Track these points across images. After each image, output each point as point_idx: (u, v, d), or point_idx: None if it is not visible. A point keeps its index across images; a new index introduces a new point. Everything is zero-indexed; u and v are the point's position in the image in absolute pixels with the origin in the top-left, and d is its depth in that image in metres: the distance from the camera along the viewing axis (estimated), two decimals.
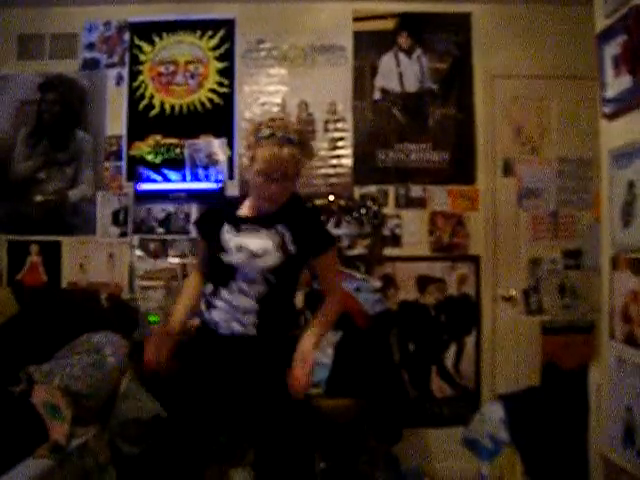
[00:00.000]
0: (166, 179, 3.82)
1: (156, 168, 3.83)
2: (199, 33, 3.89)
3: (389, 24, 3.85)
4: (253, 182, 2.11)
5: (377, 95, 3.84)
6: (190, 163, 3.81)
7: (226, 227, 2.15)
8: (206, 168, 3.80)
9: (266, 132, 2.02)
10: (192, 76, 3.89)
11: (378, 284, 3.57)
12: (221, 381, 2.12)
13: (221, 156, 3.81)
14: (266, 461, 2.12)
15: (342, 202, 3.77)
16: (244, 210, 2.21)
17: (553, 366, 3.61)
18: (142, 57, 3.90)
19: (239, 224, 2.15)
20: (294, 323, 2.40)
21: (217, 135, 3.83)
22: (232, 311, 2.10)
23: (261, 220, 2.13)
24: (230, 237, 2.13)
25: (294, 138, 2.03)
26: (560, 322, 3.77)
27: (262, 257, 2.07)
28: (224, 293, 2.11)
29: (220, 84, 3.87)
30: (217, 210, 2.31)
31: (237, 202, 2.28)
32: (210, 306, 2.16)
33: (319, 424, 2.25)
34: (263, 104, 3.86)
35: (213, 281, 2.17)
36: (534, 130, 3.82)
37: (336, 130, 3.83)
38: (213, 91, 3.88)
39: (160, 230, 3.83)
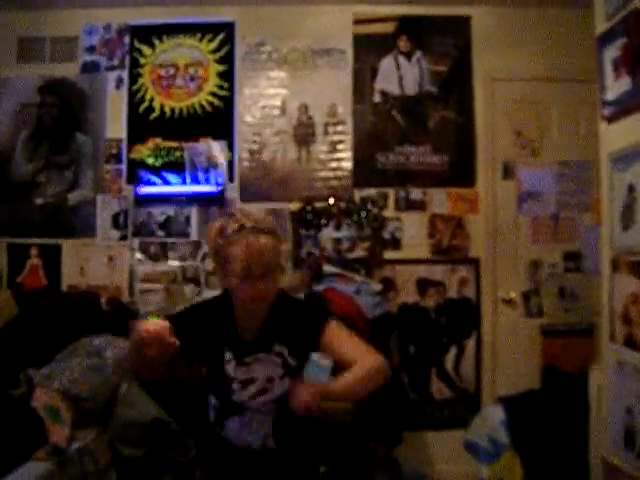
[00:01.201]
0: (166, 182, 3.82)
1: (156, 171, 3.83)
2: (199, 36, 3.90)
3: (389, 27, 3.86)
4: (235, 288, 1.83)
5: (377, 98, 3.85)
6: (190, 166, 3.82)
7: (227, 355, 1.88)
8: (206, 171, 3.80)
9: (234, 226, 1.79)
10: (192, 79, 3.89)
11: (378, 287, 3.56)
12: None
13: (221, 159, 3.81)
14: None
15: (342, 205, 3.77)
16: (241, 327, 1.91)
17: (553, 369, 3.60)
18: (142, 60, 3.91)
19: (241, 354, 1.89)
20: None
21: (217, 138, 3.84)
22: (246, 429, 1.90)
23: (258, 343, 1.89)
24: (233, 370, 1.88)
25: (266, 226, 1.81)
26: (560, 325, 3.77)
27: (269, 390, 1.87)
28: (232, 420, 1.91)
29: (220, 87, 3.88)
30: (203, 320, 1.92)
31: (227, 309, 1.92)
32: (218, 426, 1.95)
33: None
34: (263, 107, 3.86)
35: (219, 404, 1.94)
36: (534, 133, 3.83)
37: (336, 133, 3.84)
38: (213, 94, 3.88)
39: (160, 233, 3.83)
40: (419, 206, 3.81)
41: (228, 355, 1.87)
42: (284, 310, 1.92)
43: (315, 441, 1.98)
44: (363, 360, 1.84)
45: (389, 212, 3.80)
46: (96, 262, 3.84)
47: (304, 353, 1.84)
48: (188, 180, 3.81)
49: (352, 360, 1.84)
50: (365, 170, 3.82)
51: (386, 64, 3.85)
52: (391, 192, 3.81)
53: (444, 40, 3.84)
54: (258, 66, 3.88)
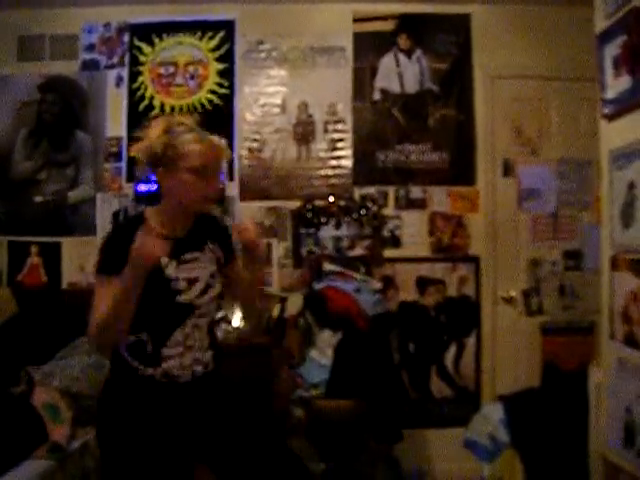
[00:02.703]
0: None
1: None
2: (199, 34, 3.89)
3: (389, 25, 3.86)
4: (181, 183, 1.82)
5: (377, 96, 3.85)
6: None
7: (163, 260, 1.78)
8: None
9: (181, 128, 1.87)
10: (192, 77, 3.89)
11: (378, 285, 3.56)
12: (190, 430, 1.91)
13: None
14: None
15: (342, 203, 3.77)
16: (164, 230, 1.85)
17: (553, 367, 3.61)
18: (142, 58, 3.90)
19: (178, 252, 1.85)
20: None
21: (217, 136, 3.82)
22: (188, 354, 1.87)
23: (190, 242, 1.92)
24: (175, 271, 1.85)
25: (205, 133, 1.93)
26: (560, 323, 3.78)
27: (211, 287, 1.92)
28: (174, 339, 1.84)
29: (220, 85, 3.88)
30: (128, 238, 1.74)
31: (142, 222, 1.86)
32: (154, 363, 1.83)
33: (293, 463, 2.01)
34: (263, 105, 3.86)
35: (151, 332, 1.84)
36: (534, 131, 3.82)
37: (336, 131, 3.83)
38: (213, 92, 3.88)
39: None
40: (419, 204, 3.81)
41: (164, 259, 1.79)
42: (204, 217, 2.00)
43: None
44: None
45: (389, 210, 3.80)
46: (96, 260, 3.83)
47: (229, 247, 2.03)
48: None
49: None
50: (365, 168, 3.82)
51: (386, 62, 3.85)
52: (391, 190, 3.81)
53: (444, 38, 3.84)
54: (258, 64, 3.88)
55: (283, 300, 3.61)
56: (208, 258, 1.94)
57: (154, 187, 3.61)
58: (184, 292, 1.84)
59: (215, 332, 2.05)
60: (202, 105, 3.87)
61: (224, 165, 2.02)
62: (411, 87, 3.84)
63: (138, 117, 3.87)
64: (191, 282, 1.86)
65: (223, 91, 3.87)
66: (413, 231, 3.80)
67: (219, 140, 1.96)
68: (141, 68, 3.90)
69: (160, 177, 1.86)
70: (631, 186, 2.15)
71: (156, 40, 3.91)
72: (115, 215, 3.83)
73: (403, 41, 3.85)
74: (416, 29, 3.84)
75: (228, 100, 3.87)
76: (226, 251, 2.03)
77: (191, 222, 1.93)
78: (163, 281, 1.82)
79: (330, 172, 3.82)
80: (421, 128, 3.83)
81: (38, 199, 3.87)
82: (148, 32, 3.91)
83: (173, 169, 1.81)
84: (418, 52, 3.84)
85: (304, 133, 3.84)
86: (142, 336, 1.83)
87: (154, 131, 1.83)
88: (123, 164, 3.87)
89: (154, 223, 1.86)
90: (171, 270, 1.83)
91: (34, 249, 3.85)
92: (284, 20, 3.87)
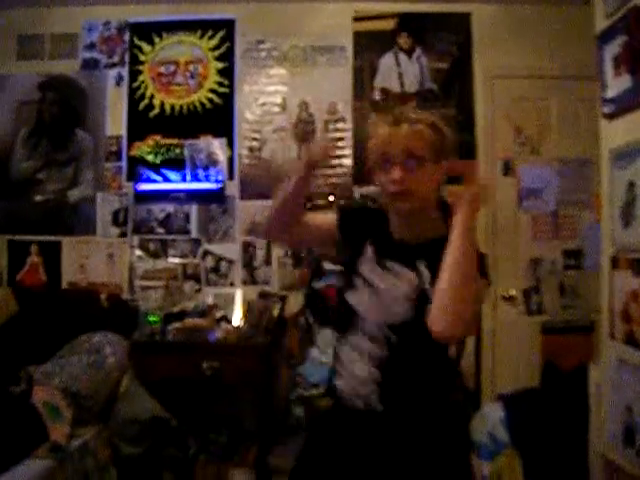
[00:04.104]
0: (166, 179, 3.82)
1: (156, 168, 3.83)
2: (199, 33, 3.89)
3: (389, 24, 3.85)
4: (379, 187, 1.61)
5: (377, 95, 3.84)
6: (190, 163, 3.81)
7: (368, 249, 1.63)
8: (206, 168, 3.80)
9: (389, 119, 1.56)
10: (192, 76, 3.89)
11: None
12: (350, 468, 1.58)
13: (221, 156, 3.81)
14: None
15: (342, 202, 3.77)
16: (395, 233, 1.63)
17: (553, 366, 3.60)
18: (142, 57, 3.90)
19: (384, 253, 1.61)
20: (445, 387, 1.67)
21: (217, 135, 3.83)
22: (350, 379, 1.60)
23: (404, 251, 1.59)
24: (368, 270, 1.62)
25: (425, 119, 1.59)
26: (560, 322, 3.77)
27: (392, 309, 1.56)
28: (347, 346, 1.63)
29: (220, 84, 3.87)
30: (362, 218, 1.72)
31: (384, 215, 1.68)
32: (336, 360, 1.66)
33: None
34: (263, 104, 3.86)
35: (338, 322, 1.69)
36: (534, 130, 3.82)
37: (336, 130, 3.83)
38: (213, 91, 3.88)
39: (160, 230, 3.83)
40: None
41: (369, 249, 1.63)
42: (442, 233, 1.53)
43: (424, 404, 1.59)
44: None
45: None
46: (96, 259, 3.84)
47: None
48: (188, 177, 3.81)
49: None
50: (365, 167, 3.81)
51: (386, 61, 3.84)
52: None
53: (444, 37, 3.84)
54: (258, 63, 3.88)
55: (283, 299, 3.61)
56: (408, 278, 1.55)
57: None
58: (356, 292, 1.63)
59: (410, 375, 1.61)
60: (202, 104, 3.87)
61: (429, 150, 1.55)
62: (411, 86, 3.84)
63: (138, 116, 3.87)
64: (369, 288, 1.60)
65: (223, 90, 3.87)
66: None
67: (415, 127, 1.55)
68: (141, 67, 3.90)
69: (374, 176, 1.65)
70: (631, 185, 2.15)
71: (156, 39, 3.91)
72: (115, 214, 3.83)
73: (403, 40, 3.84)
74: (416, 28, 3.84)
75: (228, 99, 3.87)
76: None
77: (423, 228, 1.61)
78: (351, 272, 1.65)
79: (330, 171, 3.82)
80: None
81: (38, 198, 3.87)
82: (148, 31, 3.91)
83: (369, 163, 1.63)
84: (418, 51, 3.84)
85: (304, 132, 3.84)
86: None
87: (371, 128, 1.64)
88: (123, 163, 3.87)
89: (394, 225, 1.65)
90: (365, 266, 1.62)
91: (34, 248, 3.85)
92: (284, 19, 3.87)
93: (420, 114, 1.60)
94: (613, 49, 2.24)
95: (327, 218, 1.75)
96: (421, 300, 1.51)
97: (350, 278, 1.64)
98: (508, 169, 3.82)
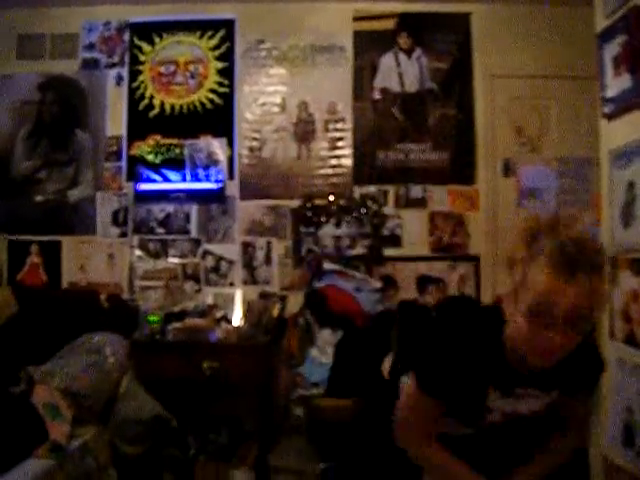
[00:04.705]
0: (166, 179, 3.82)
1: (156, 168, 3.83)
2: (199, 33, 3.89)
3: (389, 24, 3.85)
4: (516, 323, 1.34)
5: (377, 95, 3.84)
6: (190, 163, 3.81)
7: (491, 395, 1.46)
8: (206, 168, 3.80)
9: (552, 244, 1.27)
10: (192, 76, 3.89)
11: (378, 284, 3.56)
12: None
13: (221, 156, 3.81)
14: None
15: (342, 202, 3.77)
16: (514, 361, 1.41)
17: None
18: (142, 57, 3.90)
19: (511, 386, 1.45)
20: None
21: (217, 135, 3.83)
22: None
23: (535, 379, 1.43)
24: (497, 402, 1.47)
25: (600, 261, 1.27)
26: None
27: (528, 421, 1.52)
28: None
29: (220, 84, 3.87)
30: (464, 364, 1.43)
31: (497, 343, 1.42)
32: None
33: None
34: (263, 104, 3.86)
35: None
36: (534, 130, 3.82)
37: (336, 130, 3.83)
38: (213, 91, 3.88)
39: (160, 230, 3.83)
40: (419, 203, 3.81)
41: (493, 395, 1.46)
42: (578, 363, 1.41)
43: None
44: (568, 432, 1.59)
45: (389, 209, 3.80)
46: (96, 259, 3.84)
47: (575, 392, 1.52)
48: (188, 177, 3.81)
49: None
50: (365, 167, 3.82)
51: (386, 61, 3.84)
52: (391, 189, 3.81)
53: (444, 37, 3.84)
54: (258, 63, 3.88)
55: (283, 299, 3.61)
56: (542, 398, 1.48)
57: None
58: (491, 419, 1.50)
59: None
60: (202, 104, 3.87)
61: (594, 312, 1.28)
62: (411, 86, 3.84)
63: (138, 116, 3.87)
64: (508, 415, 1.49)
65: (223, 90, 3.87)
66: (413, 230, 3.80)
67: (596, 281, 1.25)
68: (141, 67, 3.90)
69: (509, 298, 1.42)
70: (631, 185, 2.15)
71: (156, 39, 3.91)
72: (115, 214, 3.83)
73: (403, 40, 3.84)
74: (416, 28, 3.84)
75: (228, 99, 3.87)
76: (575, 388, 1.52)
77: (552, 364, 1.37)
78: (479, 409, 1.49)
79: (330, 171, 3.82)
80: (421, 127, 3.83)
81: (38, 198, 3.87)
82: (148, 31, 3.91)
83: (514, 294, 1.37)
84: (418, 51, 3.84)
85: (304, 132, 3.84)
86: None
87: (522, 229, 1.37)
88: (123, 163, 3.87)
89: (511, 349, 1.39)
90: (493, 402, 1.47)
91: (34, 248, 3.85)
92: (284, 19, 3.87)
93: (598, 253, 1.30)
94: (613, 49, 2.24)
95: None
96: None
97: (473, 413, 1.51)
98: (508, 169, 3.82)
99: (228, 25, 3.88)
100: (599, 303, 1.28)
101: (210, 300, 3.74)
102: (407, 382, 1.53)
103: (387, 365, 1.75)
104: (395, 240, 3.79)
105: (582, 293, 1.22)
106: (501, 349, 1.41)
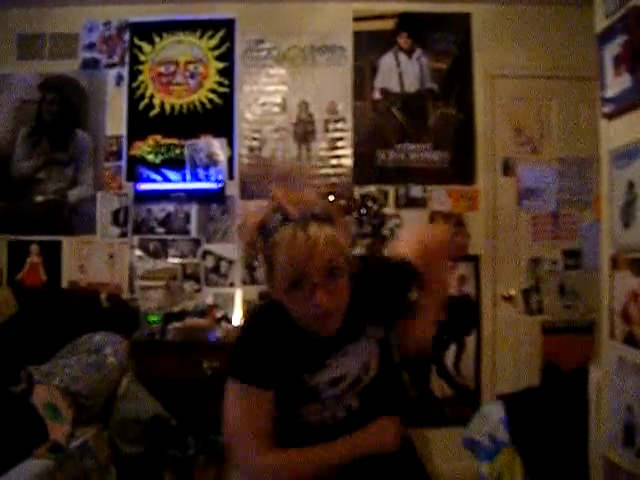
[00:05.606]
0: (166, 179, 3.82)
1: (156, 168, 3.83)
2: (199, 33, 3.89)
3: (389, 24, 3.85)
4: (287, 304, 1.37)
5: (377, 95, 3.84)
6: (190, 163, 3.81)
7: (305, 377, 1.44)
8: (206, 168, 3.80)
9: (278, 217, 1.32)
10: (192, 76, 3.89)
11: None
12: None
13: (221, 156, 3.81)
14: None
15: (342, 202, 3.77)
16: (311, 332, 1.42)
17: (553, 366, 3.60)
18: (142, 57, 3.90)
19: (322, 358, 1.45)
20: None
21: (217, 135, 3.83)
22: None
23: (341, 339, 1.44)
24: (318, 378, 1.44)
25: (320, 212, 1.34)
26: (560, 322, 3.77)
27: (363, 378, 1.50)
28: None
29: (220, 84, 3.87)
30: (267, 351, 1.42)
31: (283, 323, 1.42)
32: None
33: None
34: (263, 104, 3.86)
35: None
36: (534, 130, 3.82)
37: (336, 130, 3.83)
38: (213, 91, 3.87)
39: (160, 230, 3.83)
40: (419, 203, 3.81)
41: (306, 376, 1.44)
42: (364, 292, 1.46)
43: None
44: None
45: (389, 209, 3.80)
46: (96, 259, 3.84)
47: (391, 317, 1.55)
48: (188, 177, 3.81)
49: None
50: (365, 167, 3.82)
51: (386, 61, 3.84)
52: (391, 189, 3.81)
53: (444, 37, 3.84)
54: (258, 63, 3.88)
55: None
56: (363, 346, 1.49)
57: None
58: (323, 392, 1.45)
59: None
60: (202, 104, 3.87)
61: (341, 258, 1.34)
62: (411, 86, 3.84)
63: (138, 116, 3.87)
64: (336, 382, 1.45)
65: (223, 90, 3.87)
66: (413, 230, 3.79)
67: (324, 229, 1.31)
68: (141, 67, 3.90)
69: (273, 291, 1.43)
70: (631, 185, 2.15)
71: (156, 39, 3.91)
72: (115, 214, 3.83)
73: (403, 40, 3.84)
74: (416, 28, 3.84)
75: (228, 99, 3.87)
76: (391, 316, 1.57)
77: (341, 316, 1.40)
78: (302, 391, 1.44)
79: (330, 171, 3.82)
80: (421, 127, 3.83)
81: (38, 198, 3.87)
82: (148, 31, 3.91)
83: (273, 284, 1.39)
84: (418, 51, 3.84)
85: (304, 132, 3.84)
86: None
87: (247, 229, 1.38)
88: (123, 163, 3.87)
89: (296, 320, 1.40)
90: (312, 379, 1.44)
91: (34, 248, 3.85)
92: (284, 19, 3.87)
93: (323, 205, 1.37)
94: (613, 49, 2.24)
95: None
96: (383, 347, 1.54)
97: (301, 392, 1.45)
98: (508, 169, 3.82)
99: (228, 25, 3.88)
100: (342, 246, 1.34)
101: (210, 300, 3.74)
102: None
103: None
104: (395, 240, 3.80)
105: (319, 243, 1.28)
106: (298, 328, 1.41)
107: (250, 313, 1.77)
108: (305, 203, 1.33)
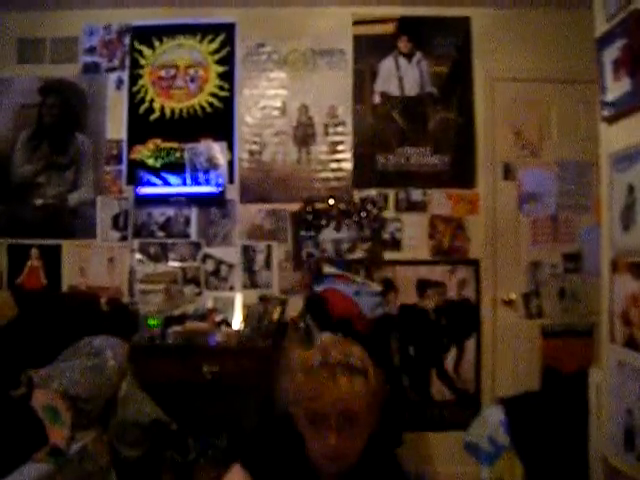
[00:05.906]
0: (166, 183, 3.82)
1: (156, 172, 3.83)
2: (199, 37, 3.90)
3: (389, 28, 3.86)
4: (302, 429, 1.42)
5: (377, 99, 3.85)
6: (190, 167, 3.82)
7: None
8: (206, 172, 3.80)
9: (318, 358, 1.40)
10: (192, 80, 3.90)
11: (378, 288, 3.56)
12: None
13: (221, 160, 3.82)
14: None
15: (342, 206, 3.77)
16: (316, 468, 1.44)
17: (553, 369, 3.60)
18: (142, 61, 3.91)
19: None
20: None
21: (217, 139, 3.84)
22: None
23: None
24: None
25: (355, 362, 1.39)
26: (560, 325, 3.77)
27: None
28: None
29: (220, 88, 3.88)
30: (269, 459, 1.48)
31: (294, 448, 1.45)
32: None
33: None
34: (263, 108, 3.87)
35: None
36: (534, 134, 3.82)
37: (336, 134, 3.84)
38: (213, 95, 3.88)
39: (160, 234, 3.83)
40: (419, 207, 3.81)
41: None
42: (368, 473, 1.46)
43: None
44: None
45: (389, 213, 3.80)
46: (96, 263, 3.84)
47: None
48: (188, 181, 3.81)
49: None
50: (365, 171, 3.82)
51: (386, 65, 3.85)
52: (391, 193, 3.81)
53: (444, 41, 3.84)
54: (258, 67, 3.88)
55: (283, 303, 3.61)
56: None
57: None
58: None
59: None
60: (202, 108, 3.87)
61: (366, 411, 1.38)
62: (411, 90, 3.85)
63: (138, 120, 3.87)
64: None
65: (223, 94, 3.88)
66: (413, 234, 3.80)
67: (356, 380, 1.37)
68: (141, 71, 3.91)
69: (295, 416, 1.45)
70: (631, 189, 2.15)
71: (156, 43, 3.91)
72: (115, 218, 3.83)
73: (403, 44, 3.85)
74: (416, 32, 3.85)
75: (228, 103, 3.87)
76: None
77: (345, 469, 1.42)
78: None
79: (330, 175, 3.82)
80: (421, 131, 3.83)
81: (38, 202, 3.87)
82: (149, 35, 3.91)
83: (296, 410, 1.43)
84: (418, 55, 3.85)
85: (304, 136, 3.84)
86: None
87: (294, 362, 1.52)
88: (123, 167, 3.87)
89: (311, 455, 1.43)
90: None
91: (34, 252, 3.84)
92: (284, 23, 3.87)
93: (356, 357, 1.43)
94: (613, 52, 2.24)
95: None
96: None
97: None
98: (508, 173, 3.82)
99: (228, 29, 3.89)
100: (369, 406, 1.38)
101: (210, 304, 3.74)
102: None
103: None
104: (395, 244, 3.80)
105: (345, 392, 1.34)
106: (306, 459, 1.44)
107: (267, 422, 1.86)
108: (346, 353, 1.41)
